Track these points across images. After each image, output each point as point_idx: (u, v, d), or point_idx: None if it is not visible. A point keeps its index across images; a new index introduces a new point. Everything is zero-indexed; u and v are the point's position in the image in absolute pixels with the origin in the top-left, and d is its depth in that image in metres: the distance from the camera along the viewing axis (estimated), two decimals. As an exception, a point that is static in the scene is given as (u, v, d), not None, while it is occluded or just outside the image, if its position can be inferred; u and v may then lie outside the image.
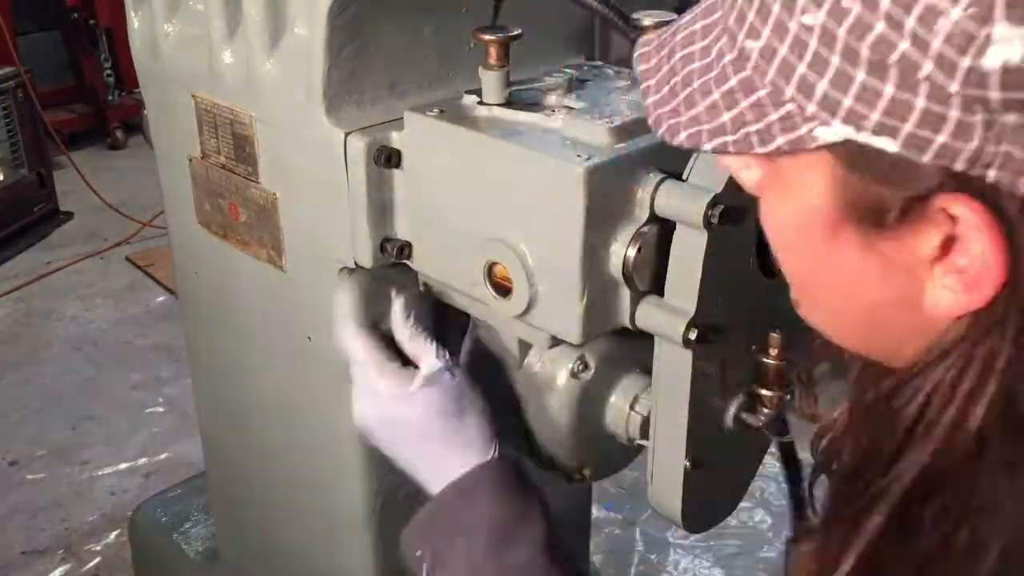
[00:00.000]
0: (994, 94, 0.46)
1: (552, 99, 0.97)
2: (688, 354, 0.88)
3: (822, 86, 0.51)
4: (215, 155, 1.19)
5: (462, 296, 1.02)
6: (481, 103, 0.96)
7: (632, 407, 1.01)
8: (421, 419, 0.95)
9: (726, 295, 0.88)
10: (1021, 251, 0.50)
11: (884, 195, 0.53)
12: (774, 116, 0.54)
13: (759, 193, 0.63)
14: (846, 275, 0.59)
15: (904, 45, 0.47)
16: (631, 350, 1.01)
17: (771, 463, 1.04)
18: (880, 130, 0.49)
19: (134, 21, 1.26)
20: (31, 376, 3.22)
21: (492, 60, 0.94)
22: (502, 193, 0.91)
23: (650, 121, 0.63)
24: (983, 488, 0.55)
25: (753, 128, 0.55)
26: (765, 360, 0.88)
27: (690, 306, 0.86)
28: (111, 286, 3.83)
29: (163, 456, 2.83)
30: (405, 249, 1.03)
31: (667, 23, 0.68)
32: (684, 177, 0.86)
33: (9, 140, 4.06)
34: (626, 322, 0.92)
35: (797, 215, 0.59)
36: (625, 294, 0.90)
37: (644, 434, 1.00)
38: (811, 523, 0.78)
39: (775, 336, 0.87)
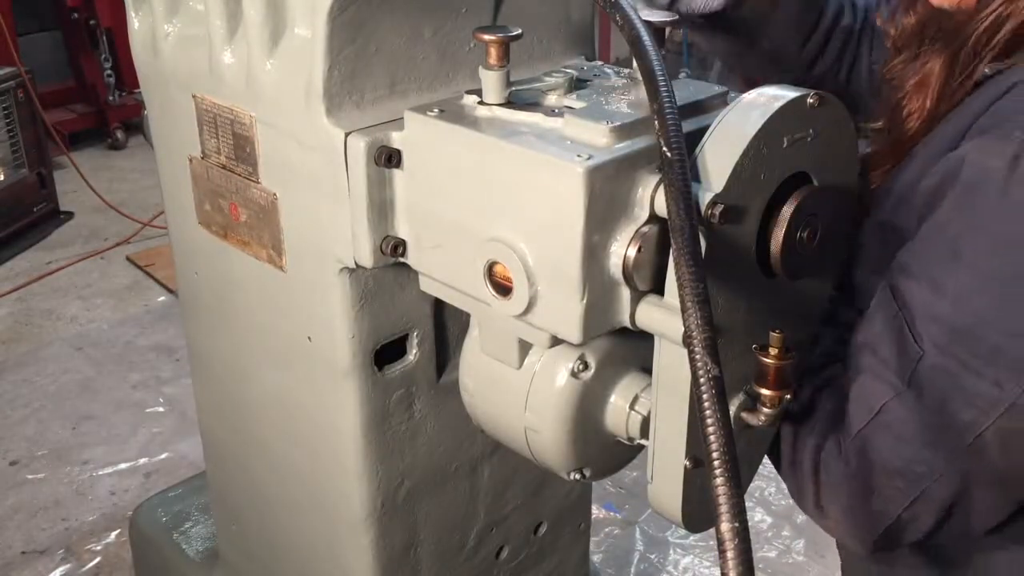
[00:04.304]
0: None
1: (552, 99, 0.97)
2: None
3: None
4: (215, 155, 1.19)
5: (462, 296, 1.02)
6: (481, 103, 0.96)
7: (632, 407, 1.01)
8: None
9: (726, 295, 0.88)
10: None
11: None
12: None
13: None
14: None
15: None
16: (631, 350, 1.01)
17: (771, 464, 1.04)
18: None
19: (134, 21, 1.26)
20: (31, 376, 3.22)
21: (492, 60, 0.94)
22: (502, 193, 0.91)
23: None
24: None
25: None
26: (765, 360, 0.88)
27: (690, 306, 0.86)
28: (111, 286, 3.83)
29: (163, 456, 2.84)
30: (400, 247, 1.03)
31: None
32: (684, 177, 0.86)
33: (9, 140, 4.06)
34: (626, 322, 0.92)
35: None
36: (625, 294, 0.90)
37: (644, 434, 1.00)
38: None
39: (775, 336, 0.87)
